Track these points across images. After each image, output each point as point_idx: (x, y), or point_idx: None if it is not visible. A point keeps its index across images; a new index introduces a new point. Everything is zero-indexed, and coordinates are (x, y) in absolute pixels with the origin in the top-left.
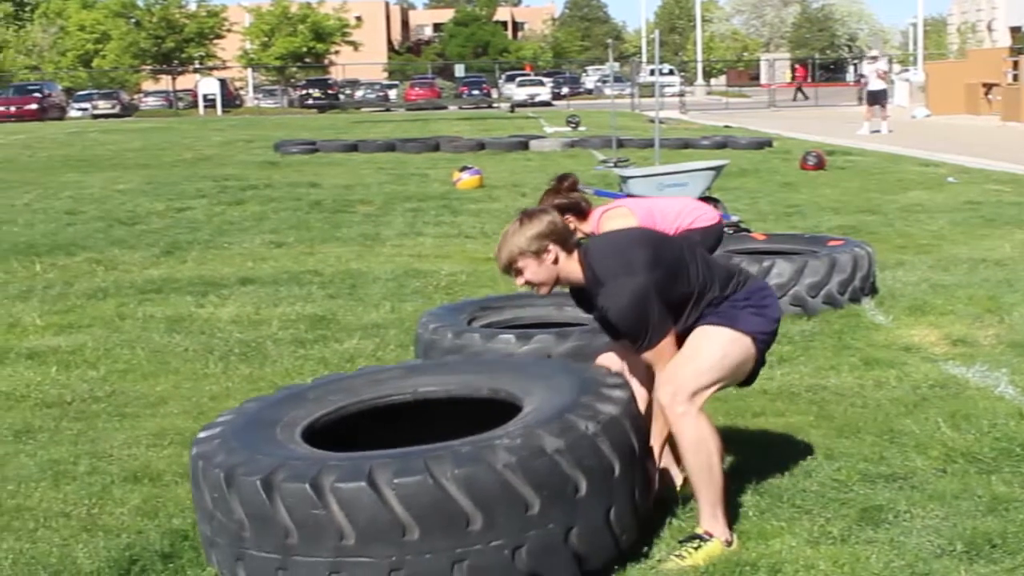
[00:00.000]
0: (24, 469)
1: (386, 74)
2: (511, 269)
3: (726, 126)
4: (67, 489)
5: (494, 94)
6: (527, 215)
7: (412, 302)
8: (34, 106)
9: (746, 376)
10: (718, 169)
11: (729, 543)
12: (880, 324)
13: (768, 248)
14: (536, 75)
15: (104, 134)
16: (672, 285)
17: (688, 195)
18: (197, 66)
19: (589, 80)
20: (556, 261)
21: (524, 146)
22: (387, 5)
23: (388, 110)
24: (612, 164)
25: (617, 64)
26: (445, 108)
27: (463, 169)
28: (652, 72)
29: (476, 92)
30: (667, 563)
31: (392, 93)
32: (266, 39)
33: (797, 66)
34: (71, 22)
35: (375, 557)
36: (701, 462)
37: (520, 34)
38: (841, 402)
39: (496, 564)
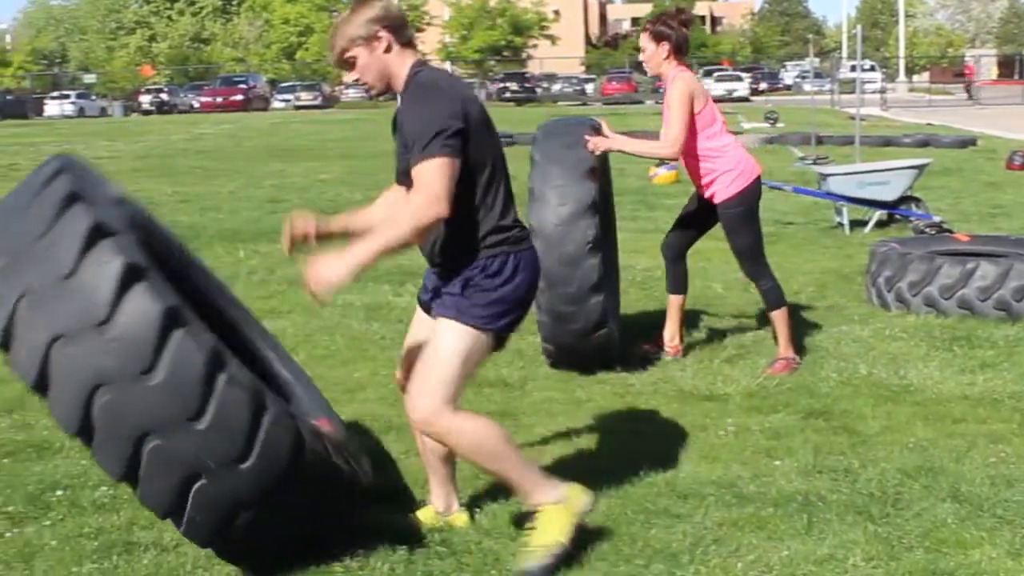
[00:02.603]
0: None
1: (583, 68)
2: (343, 61)
3: (928, 124)
4: None
5: None
6: (358, 1)
7: None
8: (239, 97)
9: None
10: (920, 168)
11: (560, 499)
12: None
13: (972, 250)
14: (734, 70)
15: (306, 125)
16: (469, 151)
17: (889, 195)
18: None
19: (788, 76)
20: (388, 50)
21: None
22: None
23: (585, 104)
24: (811, 161)
25: (817, 60)
26: (642, 103)
27: (659, 164)
28: (853, 68)
29: None
30: (527, 552)
31: (589, 87)
32: (465, 32)
33: (966, 64)
34: (276, 16)
35: None
36: (489, 459)
37: (718, 29)
38: None
39: None
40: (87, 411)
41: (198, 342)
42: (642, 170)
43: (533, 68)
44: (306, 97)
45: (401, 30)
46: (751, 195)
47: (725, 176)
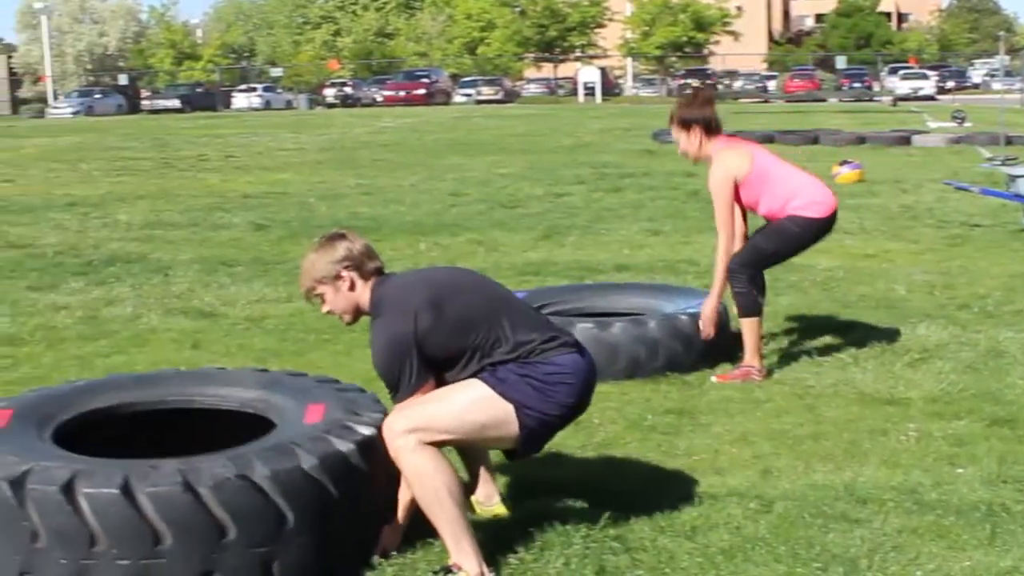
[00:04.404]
0: None
1: (765, 65)
2: (312, 297)
3: None
4: None
5: (876, 87)
6: (323, 241)
7: (787, 296)
8: (422, 91)
9: (506, 446)
10: None
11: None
12: None
13: None
14: (920, 68)
15: (487, 119)
16: (444, 339)
17: None
18: (578, 54)
19: (976, 74)
20: (352, 288)
21: (906, 141)
22: None
23: (766, 101)
24: (999, 162)
25: (1007, 57)
26: (824, 100)
27: (843, 163)
28: None
29: (857, 84)
30: None
31: (771, 84)
32: (647, 28)
33: None
34: (458, 11)
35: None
36: (428, 496)
37: (904, 25)
38: None
39: None
40: None
41: None
42: (825, 168)
43: (714, 64)
44: (487, 92)
45: (364, 266)
46: (817, 228)
47: (808, 204)
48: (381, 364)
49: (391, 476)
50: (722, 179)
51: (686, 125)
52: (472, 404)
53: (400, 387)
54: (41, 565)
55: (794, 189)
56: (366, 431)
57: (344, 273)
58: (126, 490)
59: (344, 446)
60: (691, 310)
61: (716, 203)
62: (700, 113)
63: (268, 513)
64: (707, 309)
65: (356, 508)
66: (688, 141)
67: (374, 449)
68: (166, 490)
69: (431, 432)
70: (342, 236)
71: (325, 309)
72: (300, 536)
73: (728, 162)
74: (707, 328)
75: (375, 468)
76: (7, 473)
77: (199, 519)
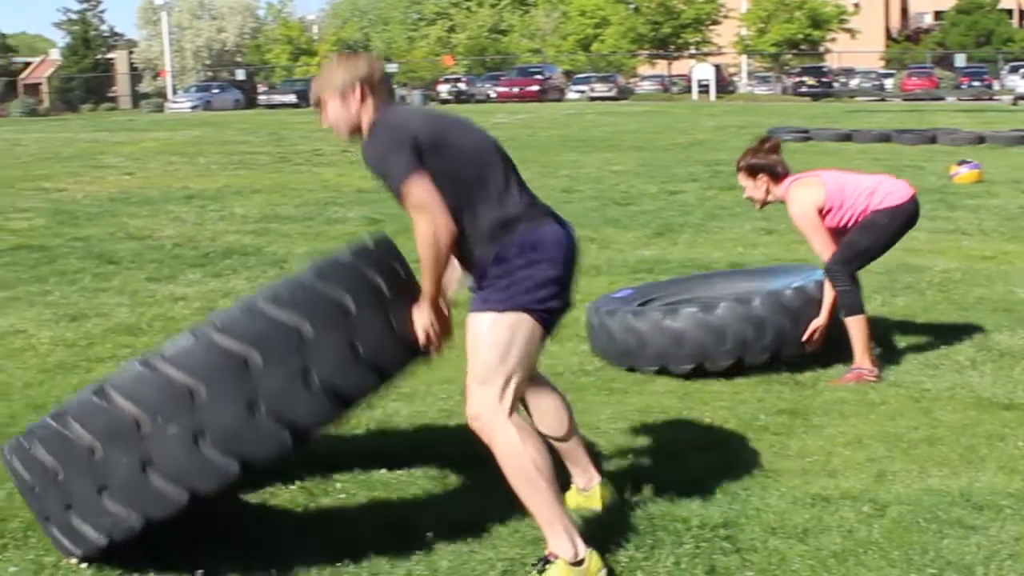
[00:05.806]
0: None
1: (882, 63)
2: (318, 104)
3: None
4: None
5: (996, 85)
6: (347, 54)
7: (903, 297)
8: (535, 88)
9: (544, 343)
10: None
11: (578, 560)
12: None
13: None
14: None
15: (600, 116)
16: (444, 164)
17: None
18: (692, 51)
19: None
20: (362, 104)
21: None
22: None
23: (883, 100)
24: None
25: None
26: (942, 99)
27: (961, 163)
28: None
29: (977, 83)
30: None
31: (888, 82)
32: (762, 25)
33: None
34: (572, 7)
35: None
36: (519, 478)
37: None
38: None
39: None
40: None
41: None
42: (942, 168)
43: (831, 62)
44: (601, 88)
45: (379, 88)
46: (903, 215)
47: (887, 195)
48: (373, 156)
49: (399, 276)
50: (804, 211)
51: (753, 173)
52: (493, 336)
53: (394, 171)
54: (110, 475)
55: (869, 188)
56: (363, 242)
57: (358, 90)
58: (147, 365)
59: (340, 256)
60: (796, 284)
61: (809, 234)
62: (766, 160)
63: (281, 331)
64: (819, 322)
65: (375, 312)
66: (755, 188)
67: (368, 252)
68: (182, 348)
69: (502, 395)
70: (367, 55)
71: (325, 124)
72: (325, 345)
73: (803, 194)
74: (814, 339)
75: (377, 269)
76: (53, 412)
77: (219, 360)
